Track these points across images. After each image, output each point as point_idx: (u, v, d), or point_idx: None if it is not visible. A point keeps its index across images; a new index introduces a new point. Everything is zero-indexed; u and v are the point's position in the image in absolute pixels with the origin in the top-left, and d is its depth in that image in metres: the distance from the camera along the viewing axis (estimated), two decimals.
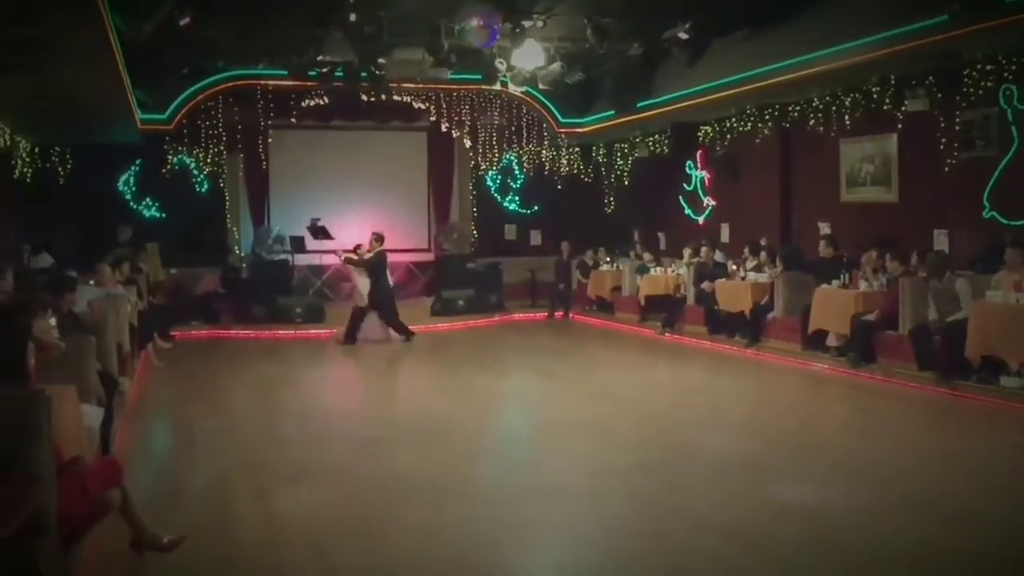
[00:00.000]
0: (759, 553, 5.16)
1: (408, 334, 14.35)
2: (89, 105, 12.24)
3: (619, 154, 19.03)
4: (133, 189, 17.44)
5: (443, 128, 18.14)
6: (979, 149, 10.95)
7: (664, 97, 14.67)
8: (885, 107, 11.96)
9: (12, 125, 13.38)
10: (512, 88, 15.54)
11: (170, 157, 17.11)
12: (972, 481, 6.54)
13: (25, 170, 15.84)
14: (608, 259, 17.55)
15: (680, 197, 17.25)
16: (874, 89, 12.02)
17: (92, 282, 11.00)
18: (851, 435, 8.23)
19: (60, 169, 16.78)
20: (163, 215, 17.46)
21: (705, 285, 13.86)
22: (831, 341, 11.35)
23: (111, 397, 7.53)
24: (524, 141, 18.92)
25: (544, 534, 5.60)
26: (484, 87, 16.49)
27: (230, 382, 11.28)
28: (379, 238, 14.41)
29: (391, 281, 14.95)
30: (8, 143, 13.61)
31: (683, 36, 12.47)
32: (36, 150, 16.42)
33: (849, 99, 12.55)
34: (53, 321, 7.27)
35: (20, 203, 15.33)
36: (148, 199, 17.45)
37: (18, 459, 3.82)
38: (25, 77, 9.93)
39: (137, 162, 17.31)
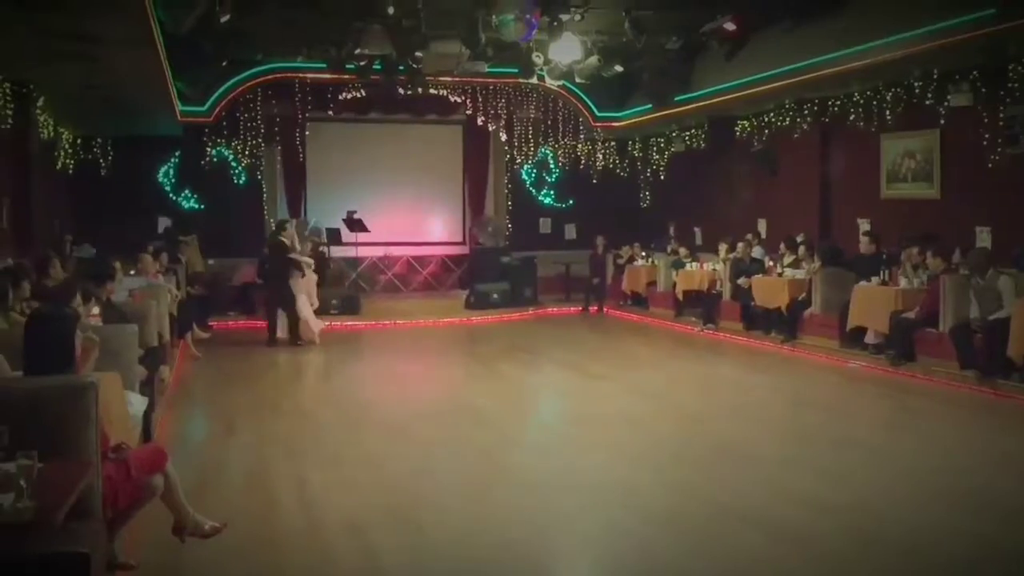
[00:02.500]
0: (801, 547, 5.13)
1: (272, 341, 13.46)
2: (131, 96, 12.40)
3: (655, 148, 18.93)
4: (172, 180, 17.63)
5: (479, 122, 18.18)
6: (1023, 145, 10.77)
7: (701, 91, 14.57)
8: (927, 102, 11.79)
9: (56, 116, 13.56)
10: (549, 82, 15.50)
11: (209, 149, 17.27)
12: (1014, 480, 6.46)
13: (67, 161, 16.05)
14: (643, 254, 17.48)
15: (717, 192, 17.12)
16: (916, 84, 11.86)
17: (132, 272, 11.16)
18: (891, 433, 8.14)
19: (101, 160, 17.00)
20: (201, 206, 17.63)
21: (742, 281, 13.77)
22: (870, 338, 11.24)
23: (152, 385, 7.65)
24: (560, 135, 18.90)
25: (582, 526, 5.60)
26: (521, 81, 16.49)
27: (267, 371, 11.40)
28: (279, 225, 14.28)
29: (298, 280, 13.57)
30: (51, 134, 13.79)
31: (730, 27, 12.32)
32: (78, 141, 16.63)
33: (890, 94, 12.39)
34: (96, 310, 7.42)
35: (62, 194, 15.54)
36: (187, 190, 17.64)
37: (67, 444, 3.89)
38: (72, 67, 10.09)
39: (176, 154, 17.50)
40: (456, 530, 5.47)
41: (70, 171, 16.19)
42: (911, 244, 11.24)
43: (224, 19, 10.59)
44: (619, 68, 14.09)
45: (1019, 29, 9.14)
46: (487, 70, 14.49)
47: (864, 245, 12.18)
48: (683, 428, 8.20)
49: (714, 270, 14.83)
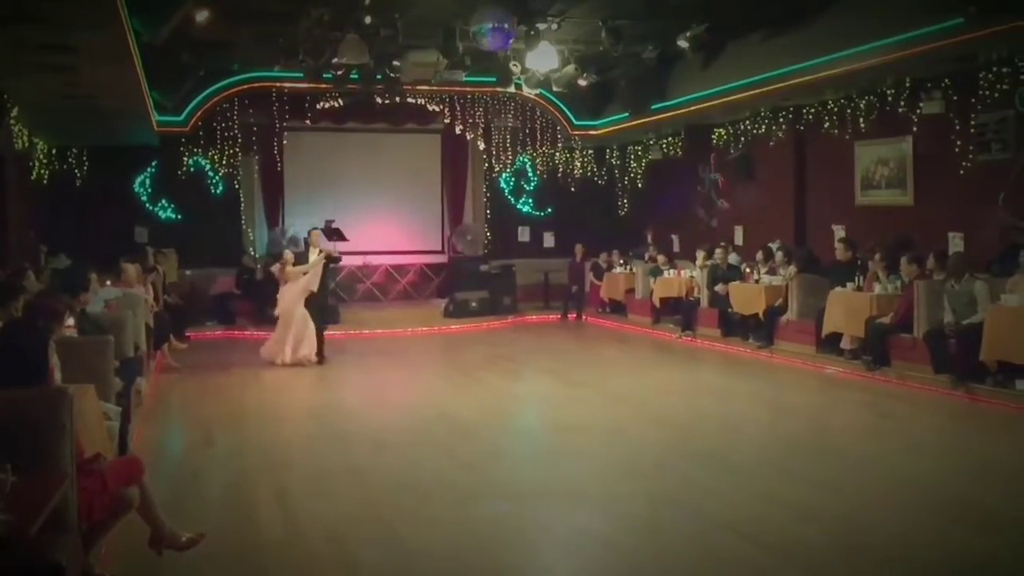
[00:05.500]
0: (780, 554, 5.15)
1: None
2: (107, 107, 12.33)
3: (632, 156, 19.03)
4: (149, 190, 17.55)
5: (457, 130, 18.20)
6: (995, 152, 10.91)
7: (678, 99, 14.67)
8: (900, 109, 11.94)
9: (30, 126, 13.47)
10: (526, 90, 15.56)
11: (186, 159, 17.22)
12: (989, 484, 6.53)
13: (42, 171, 15.94)
14: (621, 261, 17.55)
15: (693, 199, 17.23)
16: (889, 91, 12.00)
17: (108, 283, 11.08)
18: (868, 438, 8.21)
19: (77, 171, 16.90)
20: (179, 216, 17.56)
21: (719, 288, 13.85)
22: (845, 344, 11.32)
23: (128, 396, 7.60)
24: (538, 143, 18.96)
25: (563, 535, 5.61)
26: (498, 89, 16.51)
27: (246, 382, 11.34)
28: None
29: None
30: (26, 145, 13.69)
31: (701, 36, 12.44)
32: (53, 152, 16.53)
33: (864, 101, 12.53)
34: (71, 321, 7.37)
35: (37, 204, 15.43)
36: (164, 200, 17.56)
37: (41, 456, 3.87)
38: (47, 78, 10.03)
39: (153, 164, 17.41)
40: (437, 541, 5.46)
41: (45, 181, 16.08)
42: (876, 251, 11.36)
43: (200, 17, 10.57)
44: (596, 77, 14.18)
45: (987, 37, 9.28)
46: (464, 79, 14.54)
47: (840, 252, 12.29)
48: (663, 435, 8.23)
49: (692, 277, 14.91)
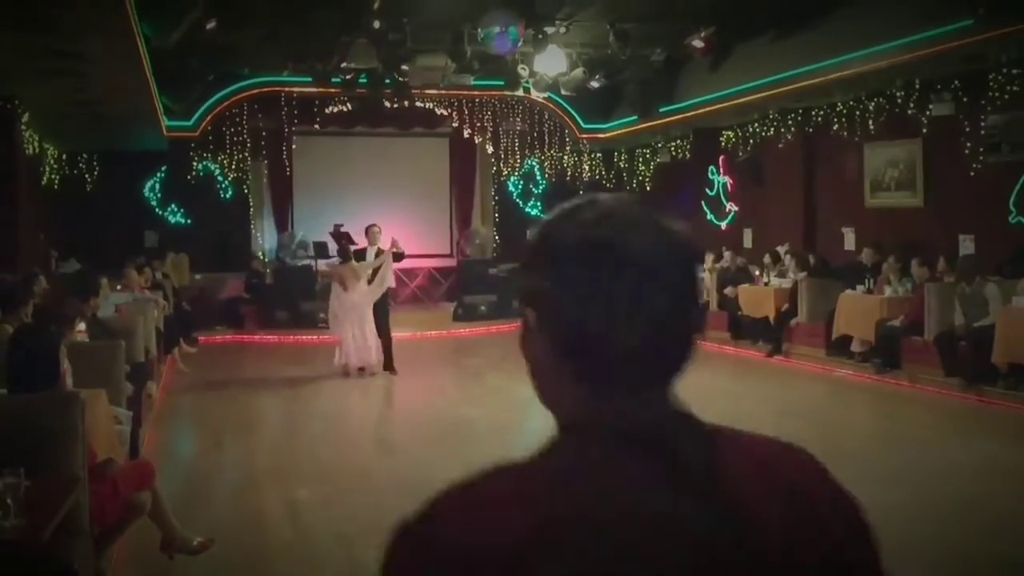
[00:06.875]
0: None
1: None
2: (117, 112, 12.40)
3: (641, 159, 19.02)
4: (159, 195, 17.60)
5: (465, 134, 18.21)
6: (1005, 153, 10.86)
7: (686, 102, 14.65)
8: (910, 111, 11.89)
9: (41, 132, 13.53)
10: (534, 94, 15.56)
11: (195, 163, 17.25)
12: (1002, 487, 6.49)
13: (53, 176, 16.00)
14: None
15: (702, 202, 17.20)
16: (898, 93, 11.96)
17: (119, 287, 11.12)
18: (878, 441, 8.18)
19: (87, 176, 16.97)
20: (188, 221, 17.61)
21: (728, 291, 13.82)
22: (855, 347, 11.29)
23: (139, 401, 7.62)
24: (546, 147, 18.95)
25: None
26: (506, 93, 16.53)
27: (256, 386, 11.35)
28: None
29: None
30: (37, 150, 13.76)
31: (698, 44, 12.45)
32: (64, 157, 16.60)
33: (873, 103, 12.50)
34: (83, 326, 7.40)
35: (48, 209, 15.50)
36: (173, 205, 17.62)
37: (53, 460, 3.88)
38: (57, 84, 10.09)
39: (163, 168, 17.46)
40: None
41: (56, 186, 16.15)
42: (890, 253, 11.33)
43: (210, 26, 10.61)
44: (604, 80, 14.17)
45: (997, 39, 9.25)
46: (473, 83, 14.55)
47: (868, 255, 12.14)
48: None
49: (700, 280, 14.86)
